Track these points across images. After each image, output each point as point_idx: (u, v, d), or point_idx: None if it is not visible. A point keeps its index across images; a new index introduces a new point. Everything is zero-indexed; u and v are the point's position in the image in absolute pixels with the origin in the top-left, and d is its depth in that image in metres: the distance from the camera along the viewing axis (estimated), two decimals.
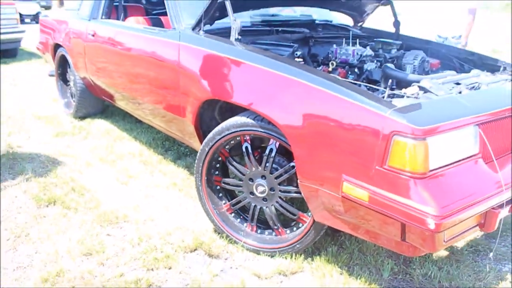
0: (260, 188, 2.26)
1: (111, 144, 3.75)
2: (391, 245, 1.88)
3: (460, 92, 2.13)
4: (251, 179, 2.29)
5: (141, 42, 3.00)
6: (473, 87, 2.25)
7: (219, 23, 2.65)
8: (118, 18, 3.79)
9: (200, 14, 2.52)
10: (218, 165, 2.43)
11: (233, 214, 2.46)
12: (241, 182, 2.35)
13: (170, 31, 2.75)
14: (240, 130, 2.22)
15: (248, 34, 2.71)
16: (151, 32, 2.94)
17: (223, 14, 2.53)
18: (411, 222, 1.65)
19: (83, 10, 3.90)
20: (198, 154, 2.40)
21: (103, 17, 3.69)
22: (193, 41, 2.53)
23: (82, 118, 4.36)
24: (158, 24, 3.49)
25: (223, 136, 2.27)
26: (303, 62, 2.39)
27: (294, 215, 2.26)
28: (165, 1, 2.84)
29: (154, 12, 4.37)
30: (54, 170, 3.21)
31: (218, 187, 2.47)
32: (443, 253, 2.40)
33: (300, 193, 2.12)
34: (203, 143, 2.36)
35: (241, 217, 2.46)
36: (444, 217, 1.60)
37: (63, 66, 4.50)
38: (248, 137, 2.26)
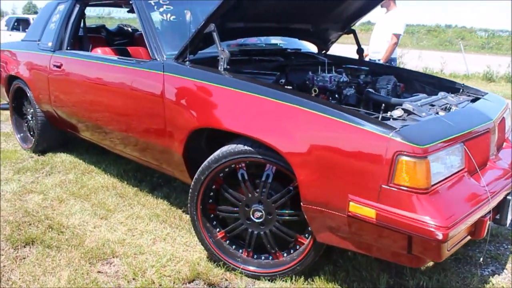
0: (257, 214, 2.30)
1: (80, 177, 3.62)
2: (393, 258, 1.98)
3: (437, 113, 2.31)
4: (247, 205, 2.32)
5: (118, 73, 2.97)
6: (445, 108, 2.45)
7: (200, 53, 2.70)
8: (82, 49, 3.71)
9: (185, 45, 2.54)
10: (211, 193, 2.44)
11: (227, 241, 2.47)
12: (236, 209, 2.37)
13: (151, 62, 2.74)
14: (238, 158, 2.25)
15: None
16: (129, 63, 2.92)
17: (208, 44, 2.58)
18: (419, 235, 1.75)
19: (45, 41, 3.79)
20: (192, 184, 2.40)
21: (68, 48, 3.61)
22: (180, 72, 2.55)
23: (43, 152, 4.16)
24: (126, 54, 3.47)
25: (220, 164, 2.29)
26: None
27: (292, 237, 2.31)
28: (143, 33, 2.84)
29: (116, 42, 4.32)
30: (23, 208, 3.05)
31: (212, 215, 2.47)
32: (429, 264, 2.55)
33: (296, 215, 2.20)
34: (198, 172, 2.36)
35: (236, 243, 2.47)
36: (449, 227, 1.73)
37: (18, 99, 4.31)
38: (243, 164, 2.30)
